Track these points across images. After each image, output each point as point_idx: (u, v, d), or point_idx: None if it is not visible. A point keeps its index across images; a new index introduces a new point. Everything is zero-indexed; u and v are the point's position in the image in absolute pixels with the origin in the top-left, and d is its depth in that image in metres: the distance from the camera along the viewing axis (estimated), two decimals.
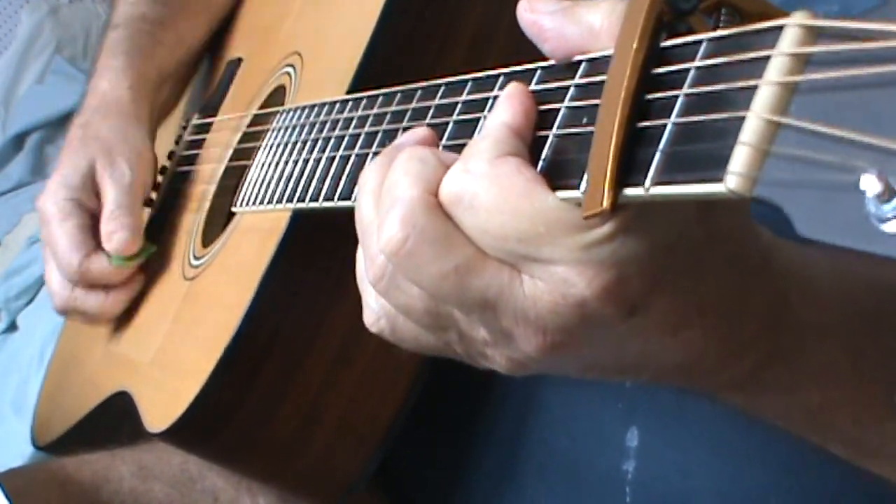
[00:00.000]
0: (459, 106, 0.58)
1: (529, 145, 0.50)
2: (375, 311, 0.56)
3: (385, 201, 0.51)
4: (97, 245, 1.01)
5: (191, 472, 0.96)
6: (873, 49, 0.35)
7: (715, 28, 0.45)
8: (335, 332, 0.80)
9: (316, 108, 0.78)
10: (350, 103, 0.72)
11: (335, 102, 0.75)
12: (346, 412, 0.81)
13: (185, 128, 1.15)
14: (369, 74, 0.80)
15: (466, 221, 0.48)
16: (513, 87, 0.52)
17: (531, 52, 0.53)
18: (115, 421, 0.99)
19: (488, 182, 0.47)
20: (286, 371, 0.80)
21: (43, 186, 1.05)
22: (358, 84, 0.80)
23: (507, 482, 0.89)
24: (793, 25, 0.39)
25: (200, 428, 0.81)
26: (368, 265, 0.53)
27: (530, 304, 0.48)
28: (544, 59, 0.53)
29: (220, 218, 0.97)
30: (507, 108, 0.51)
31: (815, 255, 0.58)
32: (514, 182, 0.47)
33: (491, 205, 0.47)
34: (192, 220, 1.02)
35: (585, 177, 0.45)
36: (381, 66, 0.81)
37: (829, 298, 0.57)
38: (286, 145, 0.81)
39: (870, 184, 0.33)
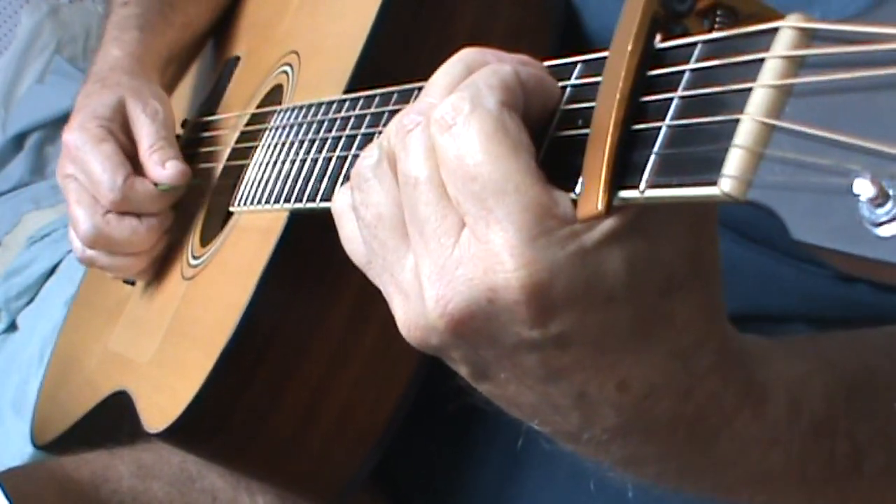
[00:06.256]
0: None
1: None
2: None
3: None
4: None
5: (190, 472, 0.96)
6: (867, 52, 0.35)
7: (710, 30, 0.45)
8: (332, 332, 0.80)
9: (313, 108, 0.78)
10: (347, 103, 0.72)
11: (332, 102, 0.75)
12: (344, 411, 0.81)
13: (183, 126, 1.15)
14: (366, 74, 0.80)
15: (443, 144, 0.46)
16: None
17: (526, 52, 0.52)
18: (114, 420, 0.99)
19: (489, 121, 0.45)
20: (284, 371, 0.80)
21: (43, 186, 1.03)
22: (355, 84, 0.80)
23: (509, 480, 0.89)
24: (787, 27, 0.38)
25: (199, 428, 0.81)
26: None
27: (451, 266, 0.46)
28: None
29: (218, 217, 0.97)
30: (524, 67, 0.49)
31: (779, 358, 0.56)
32: (509, 135, 0.46)
33: (477, 142, 0.45)
34: (191, 219, 1.02)
35: (581, 179, 0.45)
36: (377, 65, 0.81)
37: (782, 414, 0.54)
38: (283, 145, 0.81)
39: (863, 187, 0.33)
